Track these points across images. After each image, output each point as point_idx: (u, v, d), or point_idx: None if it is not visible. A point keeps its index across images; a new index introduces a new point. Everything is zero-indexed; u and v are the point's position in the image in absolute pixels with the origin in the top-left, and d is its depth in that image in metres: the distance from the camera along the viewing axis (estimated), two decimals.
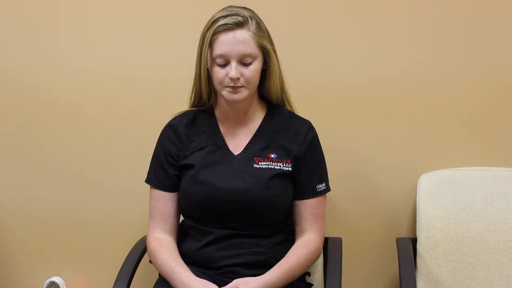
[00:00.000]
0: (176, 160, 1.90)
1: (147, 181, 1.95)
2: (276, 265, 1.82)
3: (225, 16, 1.79)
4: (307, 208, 1.90)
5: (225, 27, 1.78)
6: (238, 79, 1.78)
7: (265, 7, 1.93)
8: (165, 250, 1.86)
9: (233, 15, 1.78)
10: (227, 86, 1.80)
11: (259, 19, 1.84)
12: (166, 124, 1.95)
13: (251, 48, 1.79)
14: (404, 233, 2.23)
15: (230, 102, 1.84)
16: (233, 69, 1.78)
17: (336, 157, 2.10)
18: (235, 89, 1.80)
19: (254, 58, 1.80)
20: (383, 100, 2.18)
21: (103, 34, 2.25)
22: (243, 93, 1.81)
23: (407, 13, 2.13)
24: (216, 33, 1.79)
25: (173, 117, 1.96)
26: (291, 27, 2.17)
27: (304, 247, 1.87)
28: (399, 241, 2.12)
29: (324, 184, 1.92)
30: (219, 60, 1.79)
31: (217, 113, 1.93)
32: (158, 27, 2.23)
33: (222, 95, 1.84)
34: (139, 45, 2.24)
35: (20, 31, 2.28)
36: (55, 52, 2.28)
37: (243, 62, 1.79)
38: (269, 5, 2.09)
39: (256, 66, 1.81)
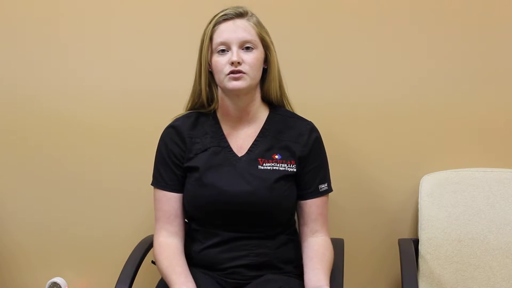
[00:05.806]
0: (181, 161, 1.89)
1: (153, 184, 1.92)
2: (318, 268, 1.79)
3: (225, 10, 1.83)
4: (314, 208, 1.89)
5: (226, 17, 1.82)
6: (239, 63, 1.78)
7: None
8: (165, 258, 1.83)
9: (234, 8, 1.83)
10: (229, 74, 1.79)
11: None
12: (168, 125, 1.93)
13: (252, 35, 1.81)
14: (406, 234, 2.22)
15: (232, 92, 1.82)
16: (234, 53, 1.78)
17: (338, 158, 2.10)
18: (236, 74, 1.78)
19: (255, 46, 1.81)
20: (385, 101, 2.18)
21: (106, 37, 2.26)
22: (245, 81, 1.80)
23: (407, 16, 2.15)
24: (216, 24, 1.82)
25: (175, 118, 1.95)
26: (293, 35, 2.17)
27: (328, 251, 1.86)
28: (401, 242, 2.12)
29: (326, 185, 1.91)
30: (220, 47, 1.80)
31: (219, 114, 1.92)
32: (159, 30, 2.23)
33: (224, 87, 1.82)
34: (139, 49, 2.25)
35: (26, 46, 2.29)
36: (53, 59, 2.29)
37: (244, 48, 1.80)
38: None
39: (257, 55, 1.81)
